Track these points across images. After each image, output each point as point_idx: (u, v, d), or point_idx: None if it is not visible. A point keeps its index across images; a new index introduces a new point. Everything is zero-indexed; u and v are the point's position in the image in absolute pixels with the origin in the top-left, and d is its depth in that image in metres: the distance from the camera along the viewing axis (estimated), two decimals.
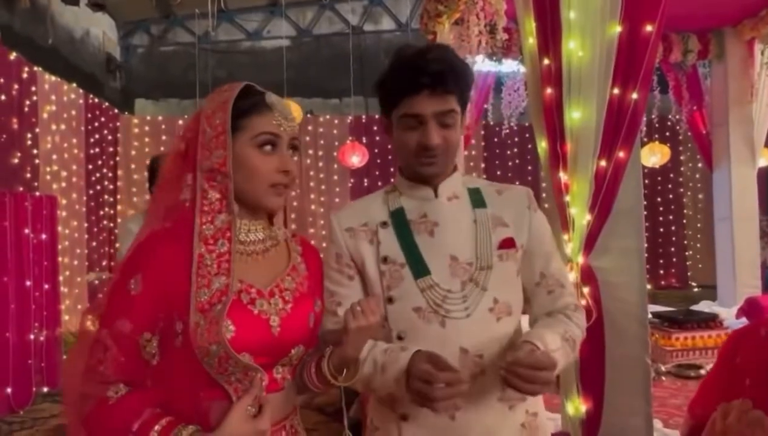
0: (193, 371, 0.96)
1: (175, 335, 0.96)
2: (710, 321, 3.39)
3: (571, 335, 1.14)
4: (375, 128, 9.41)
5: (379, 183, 9.42)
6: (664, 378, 3.01)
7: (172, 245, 0.98)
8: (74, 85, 7.33)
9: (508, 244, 1.15)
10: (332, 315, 1.15)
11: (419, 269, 1.11)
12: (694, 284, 9.23)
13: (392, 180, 1.26)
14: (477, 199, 1.19)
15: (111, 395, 0.95)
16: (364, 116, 9.42)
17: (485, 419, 1.09)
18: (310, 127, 9.22)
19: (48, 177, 6.59)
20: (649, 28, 1.81)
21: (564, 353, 1.10)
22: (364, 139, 8.64)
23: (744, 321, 3.55)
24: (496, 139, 9.15)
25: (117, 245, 5.05)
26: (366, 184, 9.36)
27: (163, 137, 8.94)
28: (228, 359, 0.95)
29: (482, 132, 9.04)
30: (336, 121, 9.33)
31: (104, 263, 7.96)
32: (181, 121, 8.98)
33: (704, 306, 4.46)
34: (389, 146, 9.29)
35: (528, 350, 1.00)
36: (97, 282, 7.44)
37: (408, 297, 1.11)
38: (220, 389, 0.97)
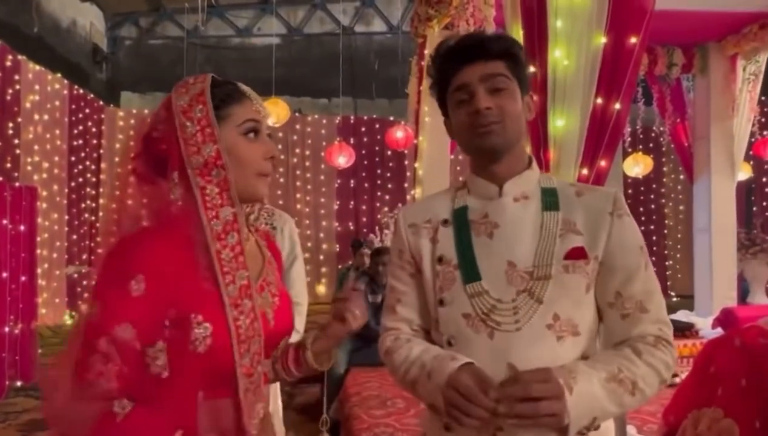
0: (210, 375, 0.92)
1: (191, 340, 0.89)
2: (686, 330, 3.45)
3: (628, 376, 0.95)
4: (363, 129, 9.42)
5: (366, 184, 9.43)
6: None
7: (172, 244, 0.93)
8: (59, 75, 7.23)
9: (577, 254, 1.01)
10: (391, 311, 1.12)
11: (470, 273, 1.02)
12: (672, 293, 9.37)
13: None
14: (550, 201, 1.05)
15: (118, 411, 0.86)
16: (352, 117, 9.42)
17: None
18: (298, 127, 9.19)
19: (29, 168, 6.49)
20: (633, 40, 1.84)
21: (609, 396, 0.94)
22: (351, 140, 8.63)
23: (720, 331, 3.61)
24: None
25: None
26: (352, 184, 9.36)
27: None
28: (260, 354, 0.94)
29: None
30: (324, 121, 9.31)
31: (84, 257, 7.85)
32: (147, 112, 8.89)
33: (682, 316, 4.52)
34: (376, 148, 9.31)
35: (529, 377, 0.90)
36: (76, 276, 7.33)
37: (458, 302, 1.03)
38: (232, 390, 0.94)
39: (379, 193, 9.44)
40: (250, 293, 0.95)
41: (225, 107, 0.99)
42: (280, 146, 8.74)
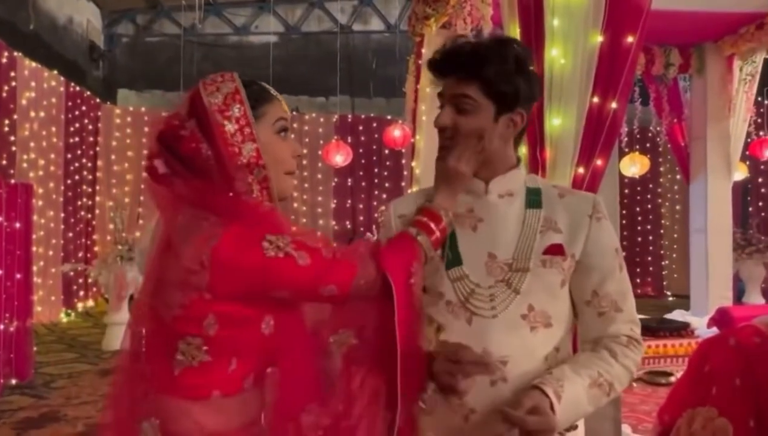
0: None
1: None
2: (682, 330, 3.45)
3: (606, 379, 1.04)
4: (360, 128, 9.41)
5: (363, 183, 9.43)
6: (635, 384, 3.06)
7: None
8: (55, 72, 7.20)
9: (554, 250, 1.07)
10: None
11: (451, 258, 1.09)
12: (669, 293, 9.39)
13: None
14: (534, 199, 1.12)
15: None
16: (350, 115, 9.41)
17: (497, 427, 1.00)
18: (295, 125, 9.16)
19: (25, 165, 6.46)
20: (630, 39, 1.85)
21: (590, 400, 1.03)
22: (349, 139, 8.62)
23: (715, 331, 3.62)
24: None
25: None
26: (350, 183, 9.35)
27: (146, 129, 8.82)
28: None
29: None
30: (321, 120, 9.30)
31: (80, 255, 7.82)
32: (164, 114, 8.85)
33: (678, 315, 4.53)
34: (374, 146, 9.31)
35: (528, 408, 0.95)
36: (72, 274, 7.30)
37: (440, 288, 1.09)
38: None
39: (376, 192, 9.43)
40: None
41: (259, 107, 1.01)
42: None
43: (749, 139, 5.18)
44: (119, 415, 1.03)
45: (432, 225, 1.06)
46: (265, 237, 0.94)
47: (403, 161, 8.98)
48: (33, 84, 6.67)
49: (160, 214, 1.05)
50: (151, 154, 1.00)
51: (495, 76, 1.05)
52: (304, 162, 9.27)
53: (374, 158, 9.43)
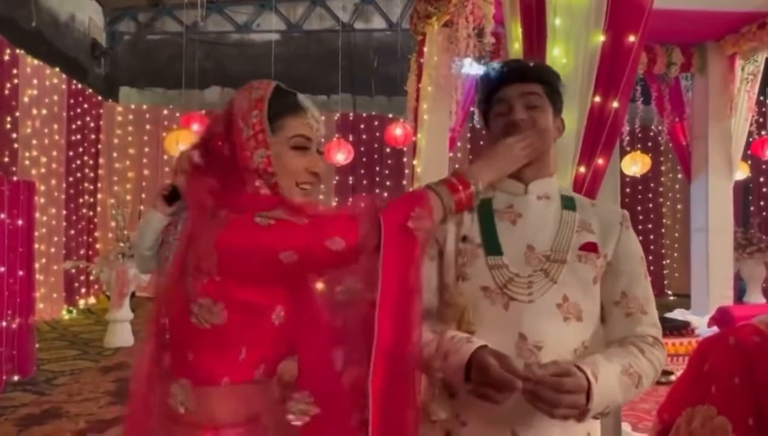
0: None
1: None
2: (683, 329, 3.47)
3: (636, 370, 1.07)
4: (362, 126, 9.41)
5: (364, 182, 9.43)
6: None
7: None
8: (57, 69, 7.21)
9: (589, 247, 1.14)
10: None
11: (492, 247, 1.13)
12: (670, 292, 9.39)
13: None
14: (568, 203, 1.19)
15: None
16: (351, 114, 9.41)
17: (533, 409, 1.00)
18: None
19: (27, 162, 6.48)
20: (632, 38, 1.84)
21: (622, 388, 1.04)
22: (350, 137, 8.63)
23: (715, 330, 3.63)
24: (482, 142, 9.21)
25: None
26: (351, 182, 9.36)
27: (147, 127, 8.83)
28: None
29: (468, 134, 9.10)
30: (323, 118, 9.23)
31: (82, 252, 7.84)
32: (166, 111, 8.89)
33: (678, 314, 4.54)
34: (375, 145, 9.31)
35: (557, 370, 0.97)
36: (73, 271, 7.33)
37: (478, 275, 1.12)
38: None
39: (377, 191, 9.44)
40: None
41: (279, 118, 1.04)
42: None
43: (751, 139, 5.17)
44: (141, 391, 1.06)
45: (459, 186, 1.07)
46: (257, 214, 0.98)
47: (405, 160, 8.98)
48: (35, 81, 6.68)
49: (188, 205, 1.11)
50: (193, 144, 1.08)
51: (554, 81, 1.20)
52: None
53: (375, 157, 9.43)
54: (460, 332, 1.11)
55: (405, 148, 7.93)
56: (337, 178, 9.31)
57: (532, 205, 1.16)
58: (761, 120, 5.71)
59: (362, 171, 9.39)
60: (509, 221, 1.15)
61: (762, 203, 9.14)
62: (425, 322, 1.10)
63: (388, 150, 9.05)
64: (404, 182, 9.07)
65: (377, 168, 9.47)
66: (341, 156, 6.86)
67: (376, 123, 9.28)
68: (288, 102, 1.06)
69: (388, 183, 9.42)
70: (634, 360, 1.08)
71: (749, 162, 6.85)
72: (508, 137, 1.14)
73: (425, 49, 4.21)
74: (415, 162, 4.51)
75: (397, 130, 6.62)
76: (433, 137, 4.33)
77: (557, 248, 1.12)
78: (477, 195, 1.10)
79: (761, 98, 5.58)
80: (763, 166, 8.54)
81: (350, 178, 9.35)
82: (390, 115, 8.81)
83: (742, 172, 5.73)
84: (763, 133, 5.90)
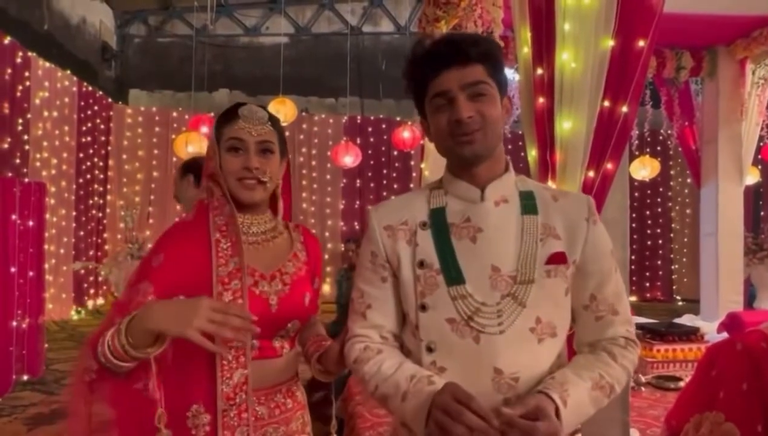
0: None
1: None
2: (691, 334, 3.43)
3: (608, 381, 1.02)
4: (370, 129, 9.43)
5: (372, 184, 9.44)
6: (643, 389, 3.04)
7: (191, 231, 1.20)
8: (68, 72, 7.28)
9: (557, 259, 1.03)
10: (361, 317, 1.09)
11: (452, 275, 1.02)
12: (678, 297, 9.32)
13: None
14: (528, 204, 1.07)
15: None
16: (359, 117, 9.43)
17: None
18: (304, 126, 9.21)
19: (38, 164, 6.54)
20: (641, 43, 1.84)
21: (593, 402, 1.00)
22: (358, 140, 8.64)
23: (725, 335, 3.59)
24: None
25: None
26: (358, 184, 9.37)
27: (157, 129, 8.89)
28: (243, 328, 1.07)
29: None
30: (331, 121, 9.32)
31: (91, 253, 7.89)
32: (175, 114, 8.95)
33: (687, 320, 4.50)
34: (383, 148, 9.32)
35: (525, 411, 0.91)
36: (83, 272, 7.38)
37: (441, 306, 1.02)
38: (212, 359, 1.12)
39: (384, 194, 9.44)
40: (240, 276, 1.15)
41: (220, 127, 1.23)
42: None
43: (761, 143, 5.13)
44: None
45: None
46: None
47: (412, 163, 8.99)
48: (46, 84, 6.75)
49: None
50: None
51: (498, 57, 1.05)
52: (313, 163, 9.30)
53: (383, 160, 9.44)
54: (421, 367, 1.02)
55: (413, 151, 7.93)
56: (344, 181, 9.33)
57: (491, 215, 1.05)
58: None
59: (370, 174, 9.40)
60: (468, 238, 1.03)
61: None
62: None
63: (395, 153, 9.06)
64: (411, 185, 9.07)
65: (385, 171, 9.47)
66: (349, 159, 6.88)
67: (383, 126, 9.29)
68: (228, 112, 1.23)
69: (395, 186, 9.42)
70: (605, 369, 1.03)
71: (760, 166, 6.78)
72: (451, 138, 1.02)
73: None
74: (422, 165, 4.50)
75: (405, 133, 6.63)
76: None
77: (523, 266, 1.02)
78: (124, 348, 1.02)
79: None
80: None
81: (358, 181, 9.36)
82: (398, 118, 8.81)
83: (752, 177, 5.67)
84: None
